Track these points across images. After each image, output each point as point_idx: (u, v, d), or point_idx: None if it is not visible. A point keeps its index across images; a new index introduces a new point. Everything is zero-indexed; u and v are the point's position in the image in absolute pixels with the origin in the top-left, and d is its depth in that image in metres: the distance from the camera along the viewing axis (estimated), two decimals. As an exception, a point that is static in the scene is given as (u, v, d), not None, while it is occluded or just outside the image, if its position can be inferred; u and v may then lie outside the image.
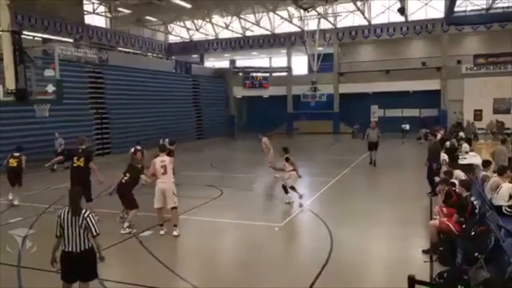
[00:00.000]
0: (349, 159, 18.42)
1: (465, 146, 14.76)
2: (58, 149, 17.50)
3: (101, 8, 31.28)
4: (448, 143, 14.67)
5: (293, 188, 10.92)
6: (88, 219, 4.92)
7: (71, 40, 26.64)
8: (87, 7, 30.51)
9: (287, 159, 11.01)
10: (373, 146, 17.10)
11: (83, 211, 4.97)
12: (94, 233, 4.93)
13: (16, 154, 11.50)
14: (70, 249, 4.89)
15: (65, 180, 10.80)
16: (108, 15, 32.23)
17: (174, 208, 8.48)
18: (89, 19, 31.17)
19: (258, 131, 19.55)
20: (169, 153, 10.90)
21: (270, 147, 15.78)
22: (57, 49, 12.18)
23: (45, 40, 21.96)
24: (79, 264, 4.94)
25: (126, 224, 8.74)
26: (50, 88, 10.29)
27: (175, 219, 8.52)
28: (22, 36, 9.64)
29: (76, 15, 29.29)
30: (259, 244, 8.23)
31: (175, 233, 8.36)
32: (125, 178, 9.01)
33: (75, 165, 9.37)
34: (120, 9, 31.01)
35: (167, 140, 15.10)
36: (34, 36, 22.13)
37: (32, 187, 13.58)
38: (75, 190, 5.18)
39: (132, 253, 7.78)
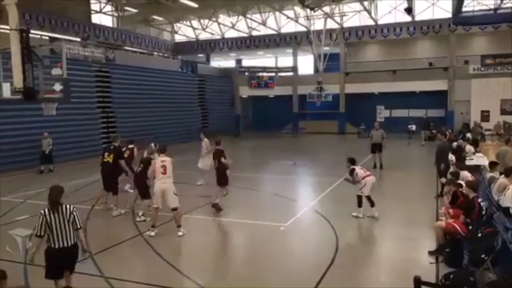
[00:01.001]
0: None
1: (469, 147, 14.60)
2: (46, 150, 16.84)
3: (108, 7, 31.43)
4: (455, 144, 14.58)
5: (369, 197, 9.58)
6: (75, 212, 5.13)
7: (78, 39, 26.80)
8: (94, 6, 30.66)
9: (351, 172, 9.75)
10: (377, 148, 16.46)
11: (68, 205, 5.13)
12: (79, 226, 5.13)
13: None
14: (61, 245, 5.00)
15: (71, 178, 10.92)
16: (115, 14, 32.37)
17: (175, 209, 8.46)
18: (96, 18, 31.32)
19: (264, 131, 19.52)
20: (219, 154, 10.44)
21: (210, 149, 13.65)
22: (64, 48, 12.29)
23: (52, 39, 22.12)
24: (70, 257, 5.12)
25: (140, 213, 9.24)
26: (58, 87, 10.34)
27: (178, 220, 8.52)
28: (30, 35, 9.69)
29: (83, 14, 29.46)
30: (264, 244, 8.23)
31: (179, 233, 8.38)
32: (139, 169, 9.59)
33: (104, 160, 10.13)
34: (127, 8, 31.12)
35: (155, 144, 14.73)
36: (41, 35, 22.30)
37: (39, 184, 13.68)
38: (55, 188, 5.25)
39: (138, 252, 7.82)
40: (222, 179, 10.37)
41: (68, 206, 5.11)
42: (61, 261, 5.07)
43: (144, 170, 9.42)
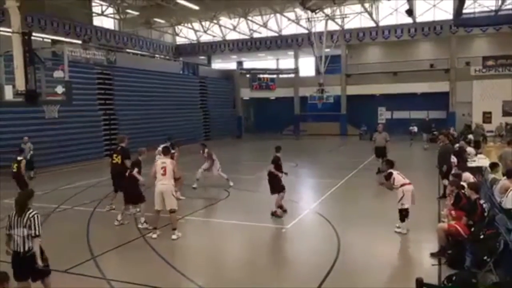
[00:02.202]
0: (356, 161, 18.34)
1: (470, 149, 14.55)
2: (27, 155, 15.15)
3: (110, 10, 31.48)
4: (457, 146, 14.55)
5: (406, 211, 8.43)
6: (32, 219, 4.95)
7: (79, 42, 26.85)
8: (96, 9, 30.74)
9: (388, 176, 8.76)
10: (380, 152, 15.23)
11: (29, 211, 5.00)
12: (33, 234, 4.94)
13: (19, 158, 11.25)
14: (15, 248, 4.98)
15: (75, 180, 10.95)
16: (117, 17, 32.43)
17: (172, 211, 8.40)
18: (97, 21, 31.40)
19: (265, 132, 19.39)
20: (274, 161, 9.88)
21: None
22: (66, 50, 12.28)
23: (54, 42, 22.16)
24: (26, 264, 4.98)
25: (142, 219, 9.18)
26: (60, 89, 10.39)
27: (174, 223, 8.46)
28: (32, 37, 9.73)
29: (85, 17, 29.54)
30: (266, 246, 8.23)
31: (173, 236, 8.30)
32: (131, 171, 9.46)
33: (114, 161, 10.29)
34: (128, 11, 31.18)
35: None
36: (43, 38, 22.33)
37: (42, 187, 13.70)
38: (23, 192, 5.23)
39: (139, 253, 7.81)
40: (272, 187, 10.01)
41: (29, 211, 5.00)
42: (16, 264, 5.01)
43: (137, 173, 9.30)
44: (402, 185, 8.48)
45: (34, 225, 4.94)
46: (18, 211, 5.01)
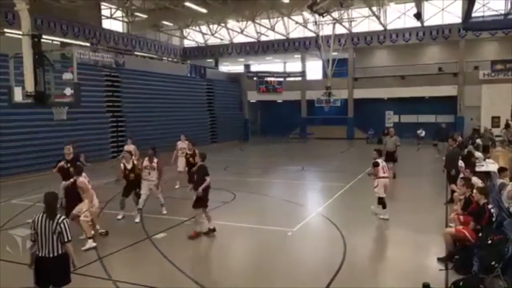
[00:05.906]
0: (363, 165, 18.24)
1: (478, 154, 14.43)
2: None
3: (119, 13, 31.75)
4: (466, 150, 14.45)
5: (381, 200, 9.69)
6: (62, 224, 4.89)
7: (88, 44, 27.07)
8: (105, 12, 31.01)
9: (375, 164, 9.80)
10: (390, 156, 14.91)
11: (58, 216, 4.94)
12: (65, 240, 4.90)
13: None
14: (43, 254, 4.87)
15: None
16: (125, 20, 32.69)
17: (81, 218, 8.03)
18: (106, 24, 31.67)
19: (272, 135, 19.30)
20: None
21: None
22: (75, 52, 12.34)
23: (63, 44, 22.35)
24: (52, 269, 4.91)
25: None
26: (68, 91, 10.44)
27: (84, 230, 8.05)
28: (42, 40, 9.82)
29: (94, 19, 29.81)
30: (272, 249, 8.21)
31: (86, 246, 7.84)
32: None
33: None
34: (137, 14, 31.43)
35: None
36: (52, 40, 22.55)
37: (44, 188, 13.79)
38: (51, 194, 5.09)
39: (144, 255, 7.84)
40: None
41: (58, 216, 4.95)
42: (41, 270, 4.92)
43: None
44: (379, 177, 9.65)
45: (66, 230, 4.91)
46: (49, 215, 4.92)
